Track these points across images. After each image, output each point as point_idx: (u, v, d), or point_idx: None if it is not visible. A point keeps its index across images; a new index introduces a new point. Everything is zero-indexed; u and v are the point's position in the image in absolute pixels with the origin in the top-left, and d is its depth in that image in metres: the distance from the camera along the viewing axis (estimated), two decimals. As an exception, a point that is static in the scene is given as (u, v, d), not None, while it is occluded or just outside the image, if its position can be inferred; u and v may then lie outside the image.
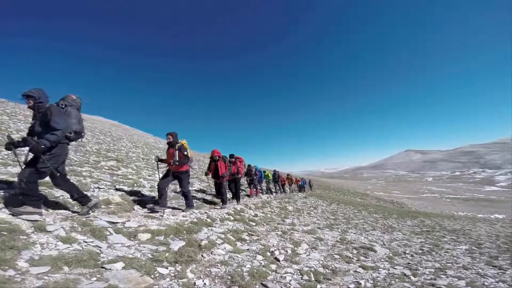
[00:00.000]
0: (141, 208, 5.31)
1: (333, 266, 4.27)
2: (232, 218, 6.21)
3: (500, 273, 4.77)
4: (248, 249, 4.29)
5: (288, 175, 21.37)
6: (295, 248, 4.86)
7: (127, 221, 4.16)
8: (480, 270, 4.94)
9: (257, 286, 3.01)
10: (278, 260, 4.03)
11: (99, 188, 5.81)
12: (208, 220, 5.44)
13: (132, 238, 3.55)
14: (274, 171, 17.78)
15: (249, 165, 12.77)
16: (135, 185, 7.10)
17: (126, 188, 6.41)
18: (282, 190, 18.23)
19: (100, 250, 2.95)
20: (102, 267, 2.56)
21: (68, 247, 2.79)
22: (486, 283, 4.13)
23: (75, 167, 7.05)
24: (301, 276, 3.53)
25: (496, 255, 6.54)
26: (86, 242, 3.06)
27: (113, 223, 3.91)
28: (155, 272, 2.75)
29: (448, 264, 5.32)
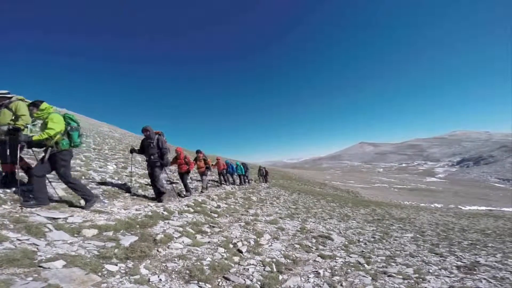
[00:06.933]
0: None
1: (294, 256, 4.32)
2: (192, 210, 5.99)
3: (442, 261, 5.20)
4: (209, 242, 4.14)
5: (198, 151, 10.43)
6: (258, 239, 4.82)
7: (70, 216, 3.72)
8: (424, 258, 5.35)
9: (219, 280, 2.89)
10: (241, 252, 3.96)
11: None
12: (165, 213, 5.16)
13: (75, 235, 3.17)
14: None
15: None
16: (83, 177, 6.45)
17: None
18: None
19: (37, 248, 2.60)
20: (40, 266, 2.26)
21: (-3, 246, 2.41)
22: (431, 270, 4.47)
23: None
24: (263, 268, 3.49)
25: (437, 242, 7.23)
26: (20, 240, 2.69)
27: (54, 218, 3.47)
28: (103, 270, 2.49)
29: (397, 252, 5.71)
